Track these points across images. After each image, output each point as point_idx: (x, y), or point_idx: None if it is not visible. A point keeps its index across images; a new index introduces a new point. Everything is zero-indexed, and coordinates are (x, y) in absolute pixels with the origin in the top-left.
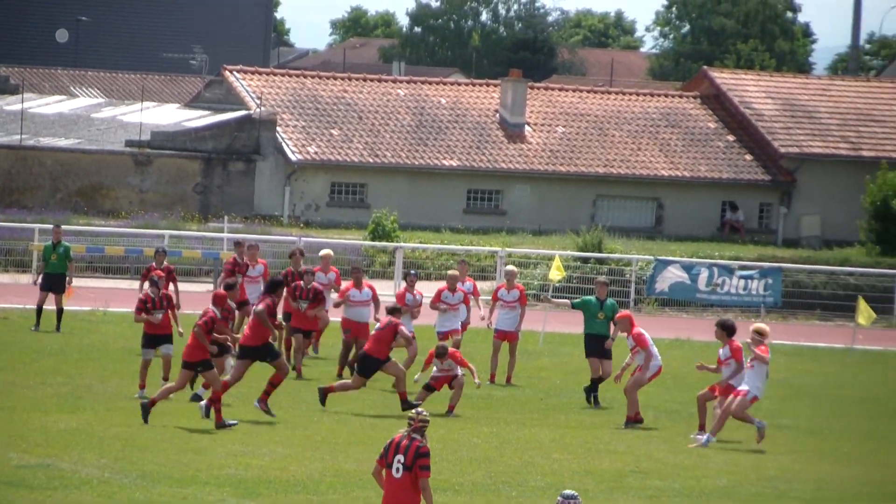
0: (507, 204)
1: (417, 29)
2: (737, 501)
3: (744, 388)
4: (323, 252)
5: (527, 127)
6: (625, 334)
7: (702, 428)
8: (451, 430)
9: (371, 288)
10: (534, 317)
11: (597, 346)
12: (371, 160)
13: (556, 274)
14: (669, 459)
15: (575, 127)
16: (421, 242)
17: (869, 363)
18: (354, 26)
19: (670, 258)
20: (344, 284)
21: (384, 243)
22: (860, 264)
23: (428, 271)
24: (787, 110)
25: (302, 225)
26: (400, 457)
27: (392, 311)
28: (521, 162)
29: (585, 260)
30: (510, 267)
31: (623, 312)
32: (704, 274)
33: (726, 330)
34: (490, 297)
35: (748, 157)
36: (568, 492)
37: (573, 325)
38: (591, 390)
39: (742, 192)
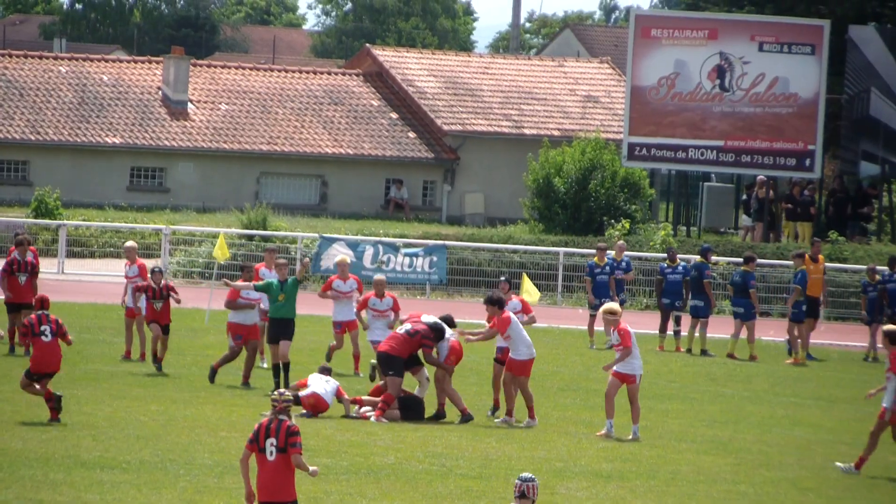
0: (171, 181)
1: (79, 6)
2: (404, 478)
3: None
4: (339, 259)
5: (190, 104)
6: None
7: (509, 413)
8: (118, 409)
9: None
10: (201, 294)
11: (278, 330)
12: (33, 137)
13: (220, 253)
14: (337, 437)
15: (238, 104)
16: (84, 220)
17: (534, 339)
18: (14, 3)
19: (335, 235)
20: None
21: (47, 221)
22: (524, 242)
23: (92, 249)
24: (449, 88)
25: None
26: (272, 440)
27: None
28: (185, 139)
29: (250, 237)
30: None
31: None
32: (370, 251)
33: (495, 304)
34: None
35: (412, 134)
36: (526, 475)
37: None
38: (275, 375)
39: (406, 169)
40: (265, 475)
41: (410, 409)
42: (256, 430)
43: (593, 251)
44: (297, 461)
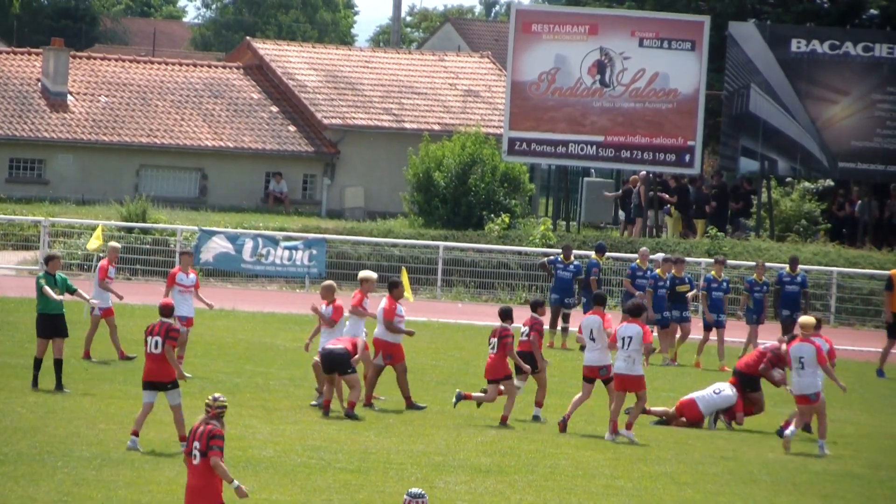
0: (51, 173)
1: None
2: (282, 472)
3: None
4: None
5: (69, 96)
6: None
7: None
8: None
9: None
10: (80, 287)
11: (49, 326)
12: None
13: (94, 243)
14: None
15: (118, 97)
16: None
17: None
18: None
19: (215, 229)
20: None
21: None
22: (404, 236)
23: None
24: (330, 82)
25: None
26: (196, 443)
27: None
28: (64, 131)
29: (129, 230)
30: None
31: None
32: (249, 244)
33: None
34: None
35: (292, 128)
36: (414, 490)
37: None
38: (35, 368)
39: (286, 162)
40: (191, 479)
41: None
42: (191, 432)
43: (474, 245)
44: (214, 462)
